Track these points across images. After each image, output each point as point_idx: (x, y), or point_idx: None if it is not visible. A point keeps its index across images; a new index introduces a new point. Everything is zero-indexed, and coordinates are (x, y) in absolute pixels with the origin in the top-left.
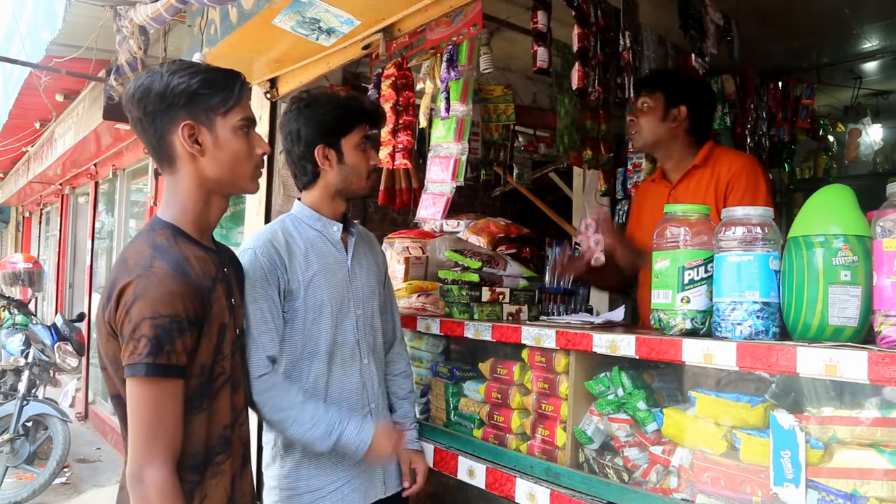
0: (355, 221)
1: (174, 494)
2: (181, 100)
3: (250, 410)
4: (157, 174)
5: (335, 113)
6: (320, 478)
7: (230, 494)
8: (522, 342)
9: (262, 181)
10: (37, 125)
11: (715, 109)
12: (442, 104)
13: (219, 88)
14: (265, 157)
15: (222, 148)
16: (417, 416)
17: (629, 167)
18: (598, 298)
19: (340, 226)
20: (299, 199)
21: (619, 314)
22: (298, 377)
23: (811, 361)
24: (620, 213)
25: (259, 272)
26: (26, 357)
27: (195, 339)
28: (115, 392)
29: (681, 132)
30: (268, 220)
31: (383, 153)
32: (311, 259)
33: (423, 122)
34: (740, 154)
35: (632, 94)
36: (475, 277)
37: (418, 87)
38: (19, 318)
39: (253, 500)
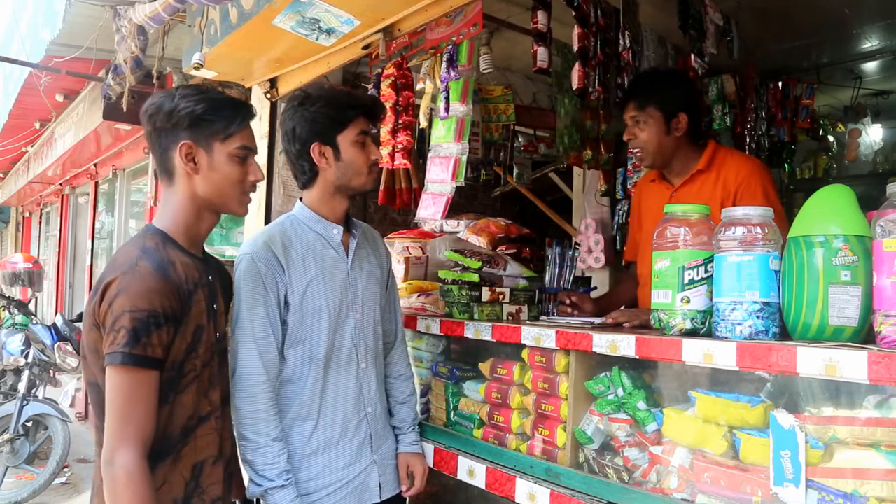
0: (358, 222)
1: (140, 477)
2: (185, 121)
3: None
4: (157, 176)
5: (330, 109)
6: (315, 481)
7: (188, 480)
8: (522, 342)
9: (262, 182)
10: (37, 125)
11: (703, 105)
12: (442, 104)
13: (222, 116)
14: (256, 184)
15: (215, 170)
16: (419, 416)
17: (629, 167)
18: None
19: (341, 228)
20: (301, 199)
21: None
22: (296, 381)
23: (811, 361)
24: (620, 213)
25: (256, 278)
26: (26, 357)
27: (171, 336)
28: (93, 380)
29: (683, 139)
30: (268, 220)
31: (383, 153)
32: (308, 263)
33: (423, 122)
34: (747, 158)
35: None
36: (475, 277)
37: (418, 87)
38: (19, 318)
39: (224, 488)
